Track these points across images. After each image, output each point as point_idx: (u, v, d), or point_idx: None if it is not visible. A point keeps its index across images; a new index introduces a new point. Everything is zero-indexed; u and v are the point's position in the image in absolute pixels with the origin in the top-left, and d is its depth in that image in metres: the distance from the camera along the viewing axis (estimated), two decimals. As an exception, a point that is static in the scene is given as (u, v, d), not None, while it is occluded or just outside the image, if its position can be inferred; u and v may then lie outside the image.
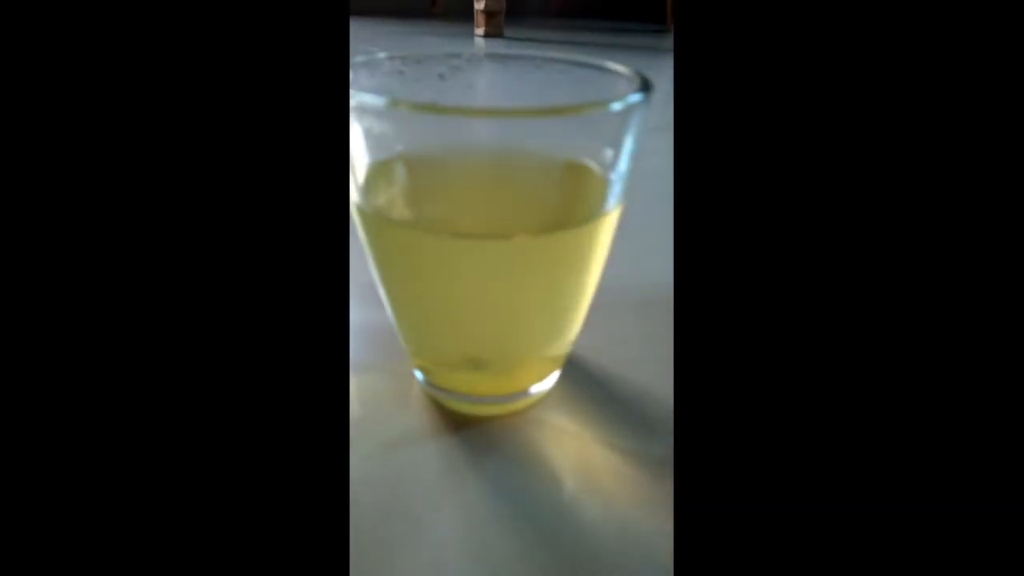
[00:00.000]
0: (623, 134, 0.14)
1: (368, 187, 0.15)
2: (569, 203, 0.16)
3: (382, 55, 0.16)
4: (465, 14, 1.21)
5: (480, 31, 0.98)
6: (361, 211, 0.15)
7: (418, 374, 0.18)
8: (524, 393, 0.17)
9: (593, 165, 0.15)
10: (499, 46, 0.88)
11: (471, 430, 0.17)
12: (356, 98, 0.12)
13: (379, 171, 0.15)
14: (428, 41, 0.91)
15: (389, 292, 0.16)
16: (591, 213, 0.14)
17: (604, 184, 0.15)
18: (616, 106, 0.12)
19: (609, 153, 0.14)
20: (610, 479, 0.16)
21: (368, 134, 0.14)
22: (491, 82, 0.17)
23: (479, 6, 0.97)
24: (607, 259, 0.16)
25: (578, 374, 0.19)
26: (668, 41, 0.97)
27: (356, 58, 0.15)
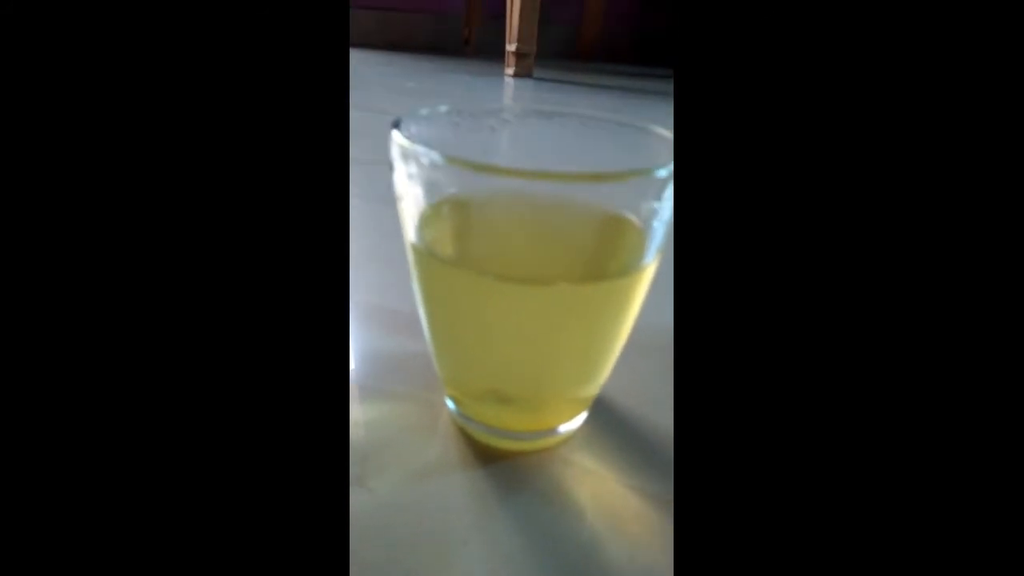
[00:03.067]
0: (664, 194, 0.15)
1: (422, 226, 0.16)
2: (610, 254, 0.17)
3: (443, 108, 0.18)
4: (496, 53, 1.26)
5: (510, 71, 1.02)
6: (414, 248, 0.16)
7: (450, 403, 0.19)
8: (552, 431, 0.18)
9: (635, 219, 0.16)
10: (529, 87, 0.92)
11: (499, 464, 0.18)
12: (417, 151, 0.14)
13: (434, 212, 0.16)
14: (460, 79, 0.95)
15: (430, 323, 0.17)
16: (630, 265, 0.15)
17: (644, 238, 0.15)
18: (660, 173, 0.13)
19: (650, 210, 0.15)
20: (634, 522, 0.16)
21: (426, 180, 0.15)
22: (538, 136, 0.19)
23: (511, 48, 1.01)
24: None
25: (605, 415, 0.20)
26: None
27: (421, 111, 0.17)
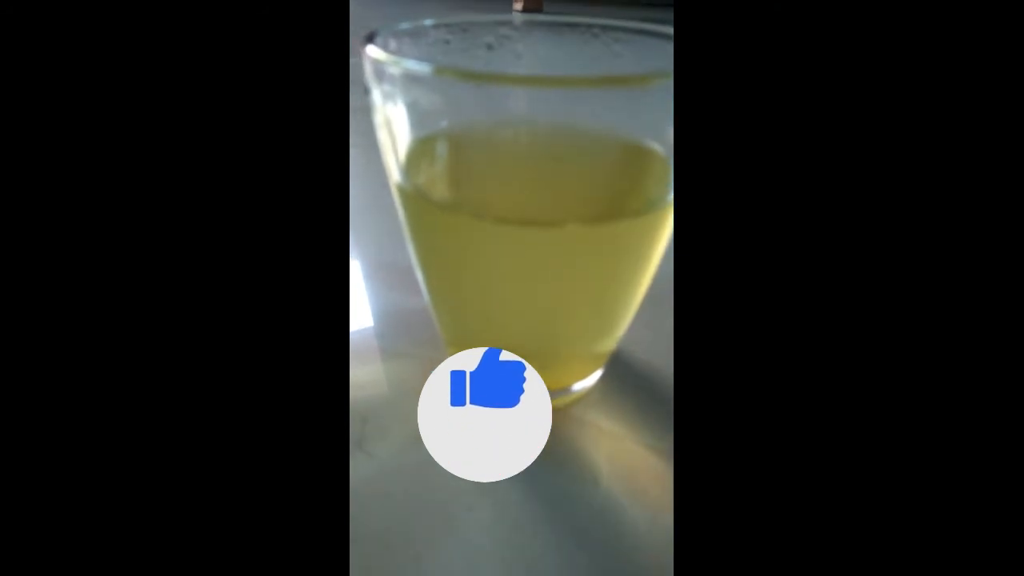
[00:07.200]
0: (694, 112, 0.12)
1: (410, 165, 0.14)
2: (628, 189, 0.14)
3: (428, 22, 0.15)
4: (503, -12, 1.17)
5: (519, 6, 0.95)
6: (401, 190, 0.14)
7: (453, 364, 0.18)
8: (565, 390, 0.16)
9: (657, 147, 0.13)
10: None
11: (507, 426, 0.16)
12: (400, 65, 0.11)
13: (422, 148, 0.14)
14: (464, 17, 0.89)
15: (427, 277, 0.15)
16: (652, 201, 0.13)
17: (668, 169, 0.13)
18: (692, 79, 0.11)
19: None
20: (650, 482, 0.15)
21: (411, 107, 0.13)
22: (544, 53, 0.16)
23: (519, -21, 0.93)
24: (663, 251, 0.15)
25: (621, 372, 0.18)
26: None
27: (401, 25, 0.14)
